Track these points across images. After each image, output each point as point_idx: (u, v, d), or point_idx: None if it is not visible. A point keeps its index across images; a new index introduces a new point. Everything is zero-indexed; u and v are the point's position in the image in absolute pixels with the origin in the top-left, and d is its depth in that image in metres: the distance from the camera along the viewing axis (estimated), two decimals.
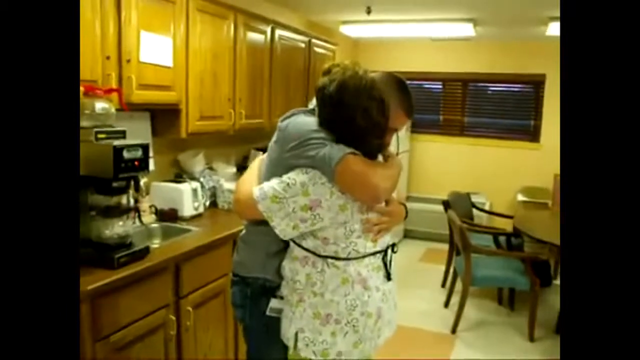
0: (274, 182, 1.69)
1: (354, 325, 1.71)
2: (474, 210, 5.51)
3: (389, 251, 1.83)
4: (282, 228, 1.69)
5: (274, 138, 1.80)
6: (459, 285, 4.41)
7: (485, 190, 6.58)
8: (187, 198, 3.22)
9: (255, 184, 1.77)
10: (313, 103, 1.82)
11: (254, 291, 1.85)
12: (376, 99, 1.66)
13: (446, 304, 4.64)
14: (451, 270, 4.86)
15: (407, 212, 1.96)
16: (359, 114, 1.62)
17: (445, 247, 5.09)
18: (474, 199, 5.67)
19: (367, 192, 1.66)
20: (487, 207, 6.15)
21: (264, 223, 1.73)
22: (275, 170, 1.74)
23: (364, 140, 1.68)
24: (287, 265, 1.79)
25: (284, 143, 1.72)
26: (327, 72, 1.71)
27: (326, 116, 1.68)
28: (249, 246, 1.89)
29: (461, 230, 4.07)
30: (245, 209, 1.78)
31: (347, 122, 1.64)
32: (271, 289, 1.83)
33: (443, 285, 5.06)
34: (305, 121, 1.73)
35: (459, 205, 5.07)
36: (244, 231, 1.93)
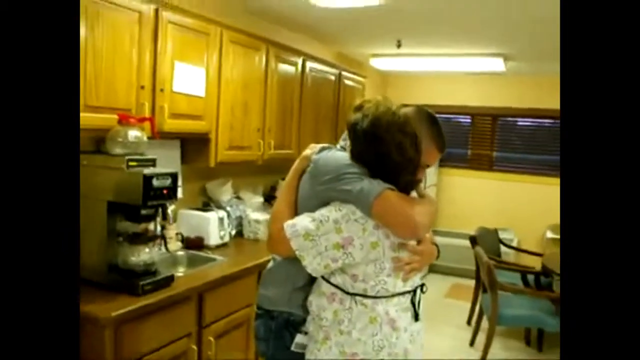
0: (307, 220, 1.67)
1: None
2: (502, 247, 5.41)
3: (418, 291, 1.79)
4: (314, 267, 1.67)
5: (306, 172, 1.80)
6: (485, 323, 4.30)
7: (513, 227, 6.47)
8: (213, 227, 3.23)
9: (287, 217, 1.75)
10: (343, 138, 1.82)
11: (278, 325, 1.82)
12: (409, 134, 1.65)
13: (472, 343, 4.53)
14: (477, 307, 4.75)
15: (439, 252, 1.91)
16: (393, 149, 1.62)
17: (471, 282, 4.99)
18: (502, 235, 5.58)
19: (405, 227, 1.64)
20: (514, 244, 6.03)
21: (292, 256, 1.73)
22: (308, 203, 1.73)
23: (398, 176, 1.66)
24: (313, 301, 1.75)
25: (317, 175, 1.72)
26: (359, 107, 1.71)
27: (360, 152, 1.68)
28: (275, 279, 1.87)
29: (488, 267, 3.99)
30: (277, 245, 1.76)
31: (381, 158, 1.64)
32: (295, 324, 1.80)
33: (469, 323, 4.95)
34: (339, 156, 1.73)
35: (486, 241, 4.98)
36: (270, 263, 1.91)
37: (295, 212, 1.77)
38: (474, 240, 4.76)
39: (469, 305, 5.03)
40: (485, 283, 4.20)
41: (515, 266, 5.00)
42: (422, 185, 1.88)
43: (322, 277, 1.73)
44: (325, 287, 1.72)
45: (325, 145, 1.82)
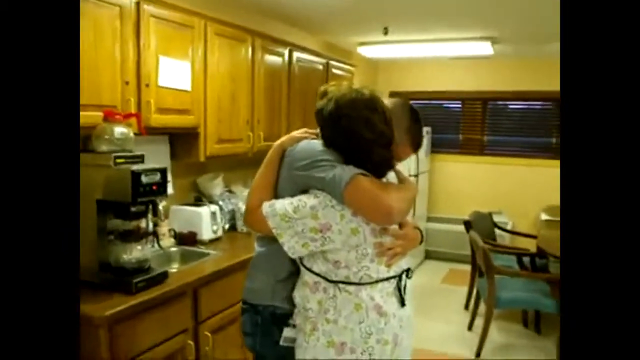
0: (285, 202, 1.67)
1: (370, 354, 1.65)
2: (496, 231, 5.42)
3: (404, 276, 1.77)
4: (291, 245, 1.66)
5: (284, 156, 1.79)
6: (482, 308, 4.31)
7: (507, 210, 6.48)
8: (206, 221, 3.21)
9: (267, 193, 1.75)
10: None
11: (264, 319, 1.81)
12: (377, 111, 1.66)
13: (470, 327, 4.54)
14: (474, 291, 4.76)
15: (422, 236, 1.90)
16: (361, 125, 1.62)
17: (468, 267, 5.00)
18: (496, 218, 5.58)
19: (379, 213, 1.62)
20: (509, 227, 6.04)
21: (272, 246, 1.72)
22: (286, 187, 1.74)
23: (371, 152, 1.66)
24: (297, 293, 1.75)
25: (292, 161, 1.73)
26: (324, 94, 1.73)
27: (329, 136, 1.69)
28: (258, 272, 1.86)
29: (484, 251, 3.99)
30: (254, 221, 1.75)
31: (350, 136, 1.64)
32: (282, 317, 1.79)
33: (466, 308, 4.96)
34: (314, 143, 1.74)
35: (481, 225, 4.99)
36: (253, 256, 1.90)
37: (275, 195, 1.76)
38: (468, 225, 4.77)
39: (465, 290, 5.04)
40: (481, 267, 4.20)
41: (511, 249, 5.01)
42: (404, 171, 1.87)
43: (305, 266, 1.72)
44: (308, 276, 1.71)
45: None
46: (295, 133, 1.84)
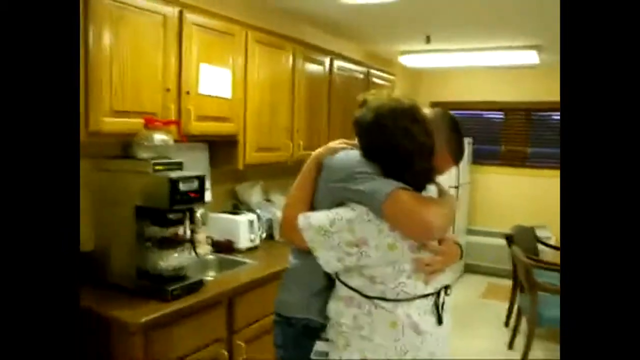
0: (321, 214, 1.63)
1: None
2: (539, 245, 5.25)
3: (442, 293, 1.70)
4: (327, 259, 1.62)
5: (322, 168, 1.75)
6: (524, 325, 4.17)
7: (550, 224, 6.28)
8: (243, 230, 3.20)
9: (303, 206, 1.71)
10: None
11: (297, 332, 1.77)
12: (418, 120, 1.60)
13: (510, 345, 4.39)
14: (515, 308, 4.62)
15: (462, 252, 1.83)
16: (401, 136, 1.57)
17: (507, 282, 4.86)
18: (539, 233, 5.42)
19: (418, 229, 1.57)
20: (552, 242, 5.84)
21: (308, 259, 1.68)
22: (323, 200, 1.69)
23: (411, 164, 1.60)
24: (332, 306, 1.70)
25: (330, 173, 1.69)
26: (363, 103, 1.67)
27: (368, 146, 1.64)
28: (292, 285, 1.82)
29: (526, 267, 3.87)
30: (290, 234, 1.72)
31: (390, 147, 1.59)
32: (314, 330, 1.74)
33: (506, 324, 4.81)
34: (352, 154, 1.69)
35: (523, 239, 4.84)
36: (287, 268, 1.86)
37: (312, 207, 1.72)
38: (510, 239, 4.63)
39: (506, 305, 4.90)
40: (523, 283, 4.07)
41: (554, 265, 4.84)
42: (444, 185, 1.81)
43: (340, 280, 1.67)
44: (343, 290, 1.66)
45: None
46: (333, 144, 1.80)
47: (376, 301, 1.60)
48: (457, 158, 1.79)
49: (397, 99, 1.64)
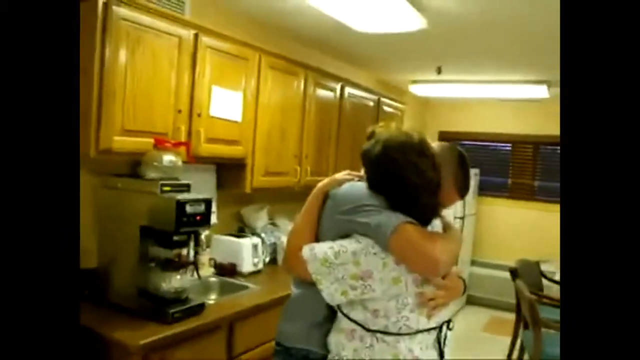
0: (326, 246, 1.61)
1: None
2: (544, 280, 5.20)
3: (444, 328, 1.69)
4: (330, 292, 1.60)
5: (328, 199, 1.73)
6: None
7: (556, 259, 6.21)
8: (247, 253, 3.18)
9: (308, 237, 1.69)
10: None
11: None
12: (427, 155, 1.59)
13: None
14: (517, 344, 4.55)
15: (465, 287, 1.81)
16: (409, 170, 1.56)
17: (510, 316, 4.79)
18: (544, 267, 5.36)
19: (425, 265, 1.56)
20: (557, 277, 5.79)
21: (309, 289, 1.66)
22: (328, 231, 1.68)
23: (418, 200, 1.59)
24: (332, 339, 1.67)
25: (336, 205, 1.67)
26: (371, 135, 1.67)
27: (375, 179, 1.63)
28: (294, 315, 1.79)
29: (530, 303, 3.82)
30: (294, 266, 1.70)
31: (398, 181, 1.58)
32: None
33: None
34: (359, 186, 1.68)
35: (528, 273, 4.79)
36: (289, 298, 1.84)
37: (316, 238, 1.70)
38: (514, 272, 4.58)
39: (508, 340, 4.81)
40: (527, 319, 4.01)
41: (559, 302, 4.79)
42: (449, 219, 1.80)
43: (342, 313, 1.64)
44: (344, 323, 1.64)
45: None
46: (338, 175, 1.79)
47: (378, 335, 1.58)
48: (462, 193, 1.78)
49: (406, 133, 1.64)
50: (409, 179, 1.57)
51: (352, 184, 1.72)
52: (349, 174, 1.78)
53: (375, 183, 1.64)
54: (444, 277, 1.66)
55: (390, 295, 1.56)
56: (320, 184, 1.78)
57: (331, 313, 1.70)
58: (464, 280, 1.81)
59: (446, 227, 1.76)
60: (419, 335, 1.60)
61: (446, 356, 1.67)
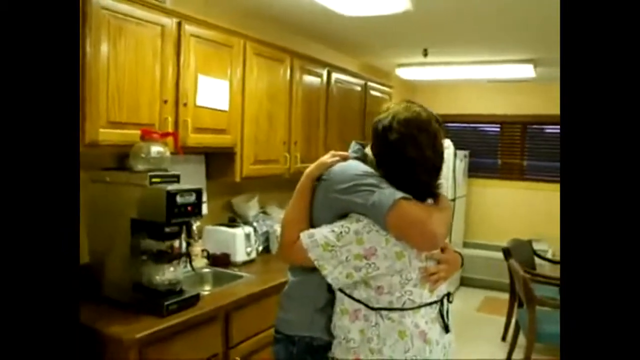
0: (325, 230, 1.60)
1: None
2: (536, 259, 5.23)
3: (445, 301, 1.70)
4: (335, 276, 1.59)
5: (320, 181, 1.72)
6: (521, 340, 4.13)
7: (547, 237, 6.26)
8: (239, 243, 3.16)
9: (303, 225, 1.68)
10: (354, 150, 1.80)
11: (300, 350, 1.72)
12: (427, 131, 1.59)
13: None
14: (512, 322, 4.58)
15: (462, 260, 1.83)
16: (407, 143, 1.57)
17: (504, 296, 4.83)
18: (536, 246, 5.40)
19: (423, 239, 1.57)
20: (550, 255, 5.83)
21: (309, 275, 1.65)
22: (321, 213, 1.67)
23: (413, 175, 1.59)
24: (337, 323, 1.66)
25: (330, 185, 1.66)
26: (386, 109, 1.69)
27: (377, 149, 1.65)
28: (294, 302, 1.77)
29: (524, 281, 3.84)
30: (293, 255, 1.69)
31: (395, 152, 1.59)
32: (318, 348, 1.70)
33: (504, 339, 4.78)
34: (353, 165, 1.69)
35: (520, 253, 4.82)
36: (287, 286, 1.82)
37: (310, 225, 1.69)
38: (507, 252, 4.60)
39: (503, 320, 4.86)
40: (521, 297, 4.04)
41: (553, 279, 4.82)
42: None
43: (344, 293, 1.64)
44: (347, 303, 1.63)
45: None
46: (324, 159, 1.77)
47: (383, 312, 1.58)
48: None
49: (417, 110, 1.63)
50: (406, 151, 1.57)
51: (347, 163, 1.71)
52: (334, 156, 1.77)
53: (376, 154, 1.66)
54: (442, 252, 1.68)
55: (394, 271, 1.57)
56: (307, 171, 1.77)
57: (332, 297, 1.70)
58: (460, 254, 1.83)
59: (437, 195, 1.75)
60: (422, 309, 1.61)
61: (450, 329, 1.68)
